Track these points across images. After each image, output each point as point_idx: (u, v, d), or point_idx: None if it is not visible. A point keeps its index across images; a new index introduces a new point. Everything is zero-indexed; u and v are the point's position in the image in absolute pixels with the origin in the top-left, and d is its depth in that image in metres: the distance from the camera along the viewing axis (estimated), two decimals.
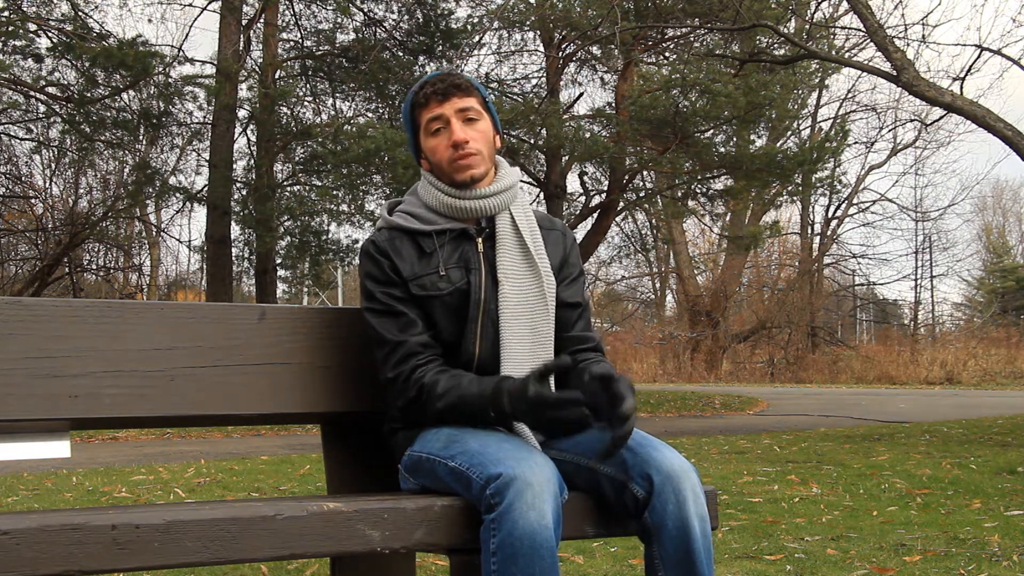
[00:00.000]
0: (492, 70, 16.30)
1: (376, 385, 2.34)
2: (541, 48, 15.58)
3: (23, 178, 16.84)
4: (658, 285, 32.19)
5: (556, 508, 1.86)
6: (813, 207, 29.25)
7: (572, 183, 17.51)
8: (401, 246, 2.21)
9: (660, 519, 1.95)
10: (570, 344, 2.26)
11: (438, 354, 2.18)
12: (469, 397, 2.07)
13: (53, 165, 17.44)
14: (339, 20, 15.09)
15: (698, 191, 16.33)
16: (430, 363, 2.15)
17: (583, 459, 2.08)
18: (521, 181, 2.37)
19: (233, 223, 14.43)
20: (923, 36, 19.02)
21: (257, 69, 15.19)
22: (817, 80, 20.75)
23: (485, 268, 2.21)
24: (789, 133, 19.82)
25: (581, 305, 2.30)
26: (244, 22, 14.65)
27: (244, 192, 14.75)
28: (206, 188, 14.57)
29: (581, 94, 17.37)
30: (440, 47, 14.82)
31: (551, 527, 1.83)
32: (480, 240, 2.23)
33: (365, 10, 14.90)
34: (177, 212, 19.36)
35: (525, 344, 2.17)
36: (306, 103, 15.72)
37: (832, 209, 30.04)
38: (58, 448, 2.13)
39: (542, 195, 15.73)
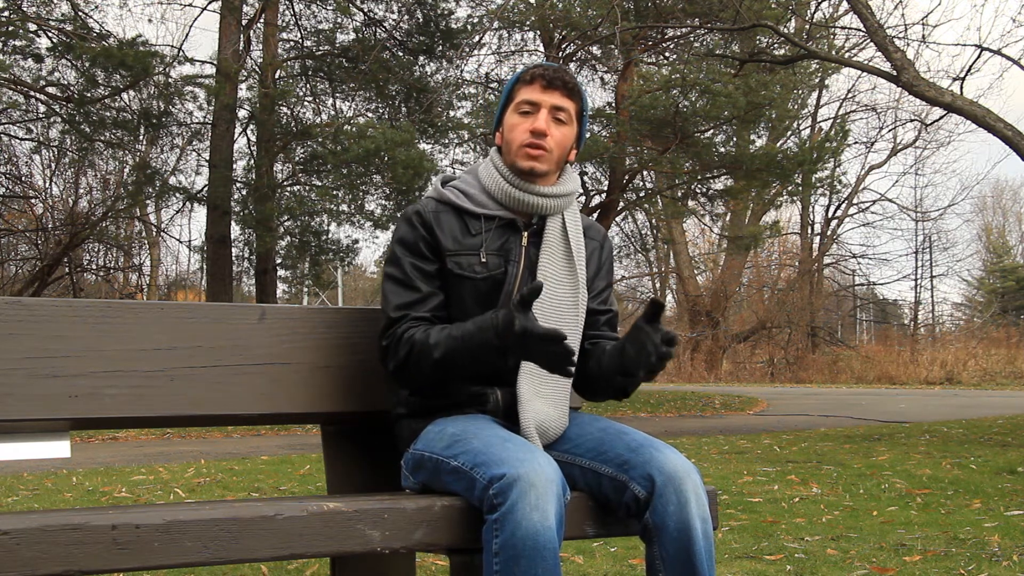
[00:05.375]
0: (492, 70, 16.29)
1: (376, 385, 2.34)
2: (541, 48, 15.56)
3: (23, 178, 16.85)
4: (658, 285, 32.18)
5: (559, 509, 1.86)
6: (813, 207, 29.31)
7: None
8: (446, 220, 2.20)
9: (661, 520, 1.95)
10: (595, 338, 2.28)
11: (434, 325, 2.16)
12: (467, 334, 2.05)
13: (53, 165, 17.43)
14: (339, 20, 15.10)
15: (698, 191, 16.34)
16: (421, 326, 2.13)
17: (584, 460, 2.09)
18: None
19: (233, 223, 14.43)
20: (923, 36, 19.02)
21: (257, 69, 15.18)
22: (817, 80, 20.80)
23: (524, 263, 2.21)
24: (789, 133, 19.82)
25: (612, 311, 2.34)
26: (244, 22, 14.65)
27: (244, 192, 14.74)
28: (206, 188, 14.57)
29: None
30: (440, 47, 14.82)
31: (554, 528, 1.83)
32: (526, 235, 2.23)
33: (365, 10, 14.90)
34: (177, 212, 19.37)
35: None
36: (306, 103, 15.71)
37: (832, 209, 30.11)
38: (58, 448, 2.13)
39: None
